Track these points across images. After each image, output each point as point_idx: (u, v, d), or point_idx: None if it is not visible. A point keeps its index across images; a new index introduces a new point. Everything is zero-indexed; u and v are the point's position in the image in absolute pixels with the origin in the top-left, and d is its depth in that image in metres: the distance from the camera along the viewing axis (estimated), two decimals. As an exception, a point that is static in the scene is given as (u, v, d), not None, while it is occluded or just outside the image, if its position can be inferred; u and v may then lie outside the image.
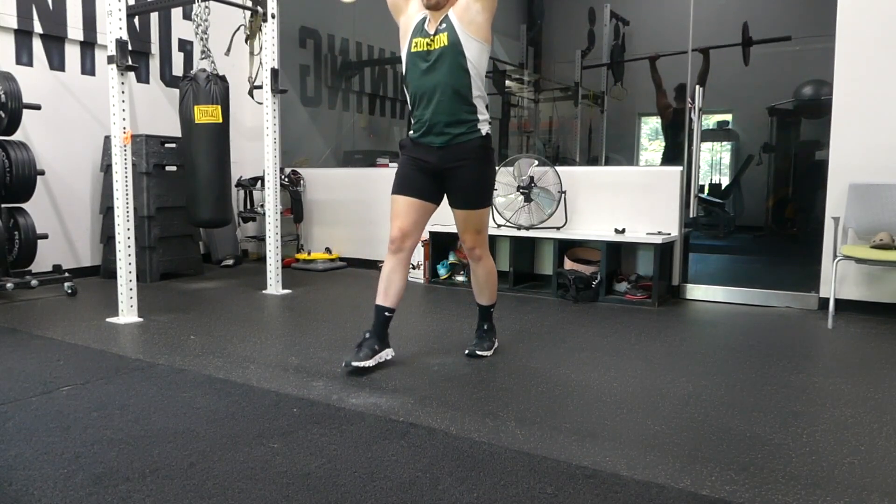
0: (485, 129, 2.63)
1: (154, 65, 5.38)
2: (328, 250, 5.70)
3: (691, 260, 4.74)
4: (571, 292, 4.20)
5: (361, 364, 2.62)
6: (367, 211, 5.45)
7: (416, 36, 2.60)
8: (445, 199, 2.76)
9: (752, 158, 8.01)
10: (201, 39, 3.96)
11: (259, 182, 5.55)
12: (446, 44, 2.53)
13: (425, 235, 4.71)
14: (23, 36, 4.53)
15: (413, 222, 2.71)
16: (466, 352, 2.87)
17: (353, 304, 4.12)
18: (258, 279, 4.80)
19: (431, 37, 2.56)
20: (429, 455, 1.88)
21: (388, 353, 2.75)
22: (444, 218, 3.23)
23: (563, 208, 4.56)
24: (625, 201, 4.42)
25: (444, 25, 2.54)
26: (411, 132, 2.71)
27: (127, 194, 3.56)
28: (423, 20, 2.60)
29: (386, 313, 2.72)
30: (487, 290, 2.90)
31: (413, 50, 2.61)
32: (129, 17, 3.77)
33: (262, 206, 5.13)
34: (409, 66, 2.64)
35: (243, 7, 4.47)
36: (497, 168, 4.68)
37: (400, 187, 2.72)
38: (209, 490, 1.66)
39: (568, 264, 4.35)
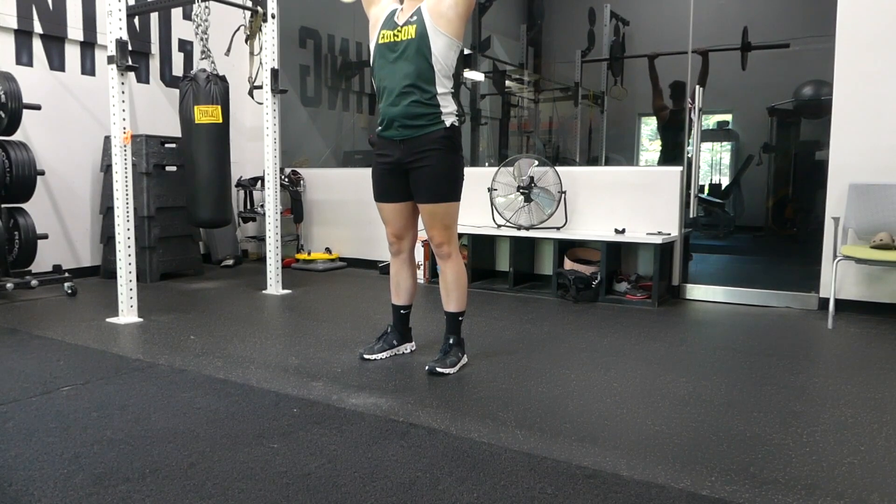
0: (450, 120, 2.55)
1: (154, 65, 5.38)
2: (328, 250, 5.70)
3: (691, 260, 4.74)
4: (571, 292, 4.20)
5: (371, 356, 2.82)
6: (366, 211, 5.44)
7: (385, 28, 2.57)
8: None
9: (752, 158, 8.01)
10: (201, 39, 3.96)
11: (259, 182, 5.55)
12: (413, 36, 2.47)
13: (425, 236, 4.71)
14: (23, 36, 4.53)
15: (403, 225, 2.76)
16: (426, 367, 2.64)
17: (353, 305, 4.12)
18: (258, 279, 4.80)
19: (399, 27, 2.52)
20: (429, 455, 1.88)
21: (407, 347, 2.94)
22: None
23: (563, 208, 4.56)
24: (625, 201, 4.42)
25: (414, 18, 2.49)
26: (378, 127, 2.68)
27: (127, 194, 3.56)
28: (394, 12, 2.57)
29: (401, 311, 2.88)
30: (455, 293, 2.70)
31: (380, 41, 2.57)
32: (129, 17, 3.77)
33: (262, 206, 5.13)
34: (376, 58, 2.61)
35: (243, 7, 4.47)
36: (497, 168, 4.70)
37: (379, 194, 2.74)
38: (209, 490, 1.66)
39: (568, 264, 4.35)
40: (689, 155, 4.35)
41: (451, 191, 2.61)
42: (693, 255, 5.00)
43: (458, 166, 2.62)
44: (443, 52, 2.49)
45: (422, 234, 4.71)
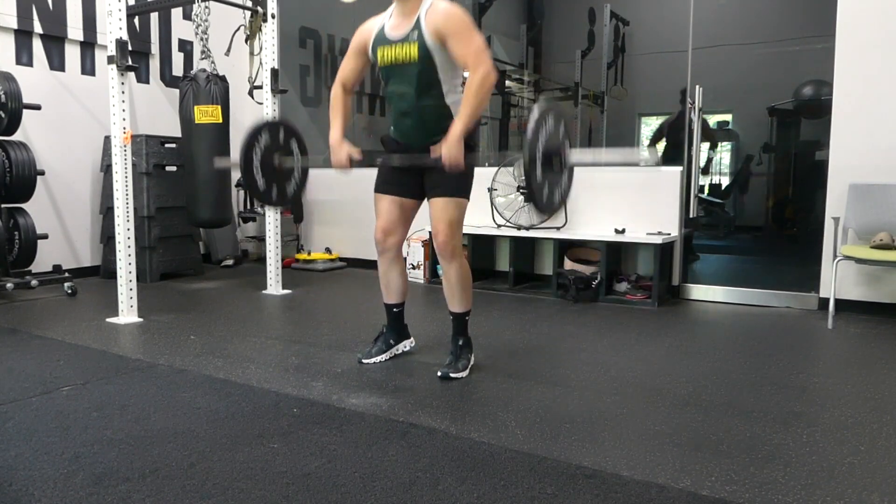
0: None
1: (154, 65, 5.38)
2: (328, 250, 5.70)
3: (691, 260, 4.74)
4: (571, 292, 4.20)
5: (369, 360, 2.78)
6: (367, 211, 5.39)
7: (379, 44, 2.47)
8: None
9: (752, 158, 8.01)
10: (201, 39, 3.96)
11: (259, 182, 5.53)
12: (415, 59, 2.39)
13: (425, 236, 4.71)
14: (23, 36, 4.53)
15: (394, 220, 2.66)
16: (439, 374, 2.57)
17: (353, 304, 4.12)
18: (258, 279, 4.80)
19: (399, 43, 2.42)
20: (429, 455, 1.88)
21: (405, 345, 2.91)
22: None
23: (563, 208, 4.56)
24: (625, 201, 4.42)
25: (415, 34, 2.38)
26: (392, 131, 2.63)
27: (127, 194, 3.56)
28: (382, 28, 2.47)
29: (394, 309, 2.84)
30: (460, 292, 2.62)
31: (380, 64, 2.50)
32: (129, 17, 3.77)
33: (262, 206, 5.13)
34: (381, 75, 2.53)
35: (243, 7, 4.47)
36: (497, 168, 4.70)
37: (380, 185, 2.67)
38: (209, 490, 1.66)
39: (568, 264, 4.35)
40: (689, 155, 4.35)
41: (460, 188, 2.56)
42: (691, 254, 5.00)
43: (470, 164, 2.54)
44: (448, 63, 2.41)
45: (422, 235, 4.72)
